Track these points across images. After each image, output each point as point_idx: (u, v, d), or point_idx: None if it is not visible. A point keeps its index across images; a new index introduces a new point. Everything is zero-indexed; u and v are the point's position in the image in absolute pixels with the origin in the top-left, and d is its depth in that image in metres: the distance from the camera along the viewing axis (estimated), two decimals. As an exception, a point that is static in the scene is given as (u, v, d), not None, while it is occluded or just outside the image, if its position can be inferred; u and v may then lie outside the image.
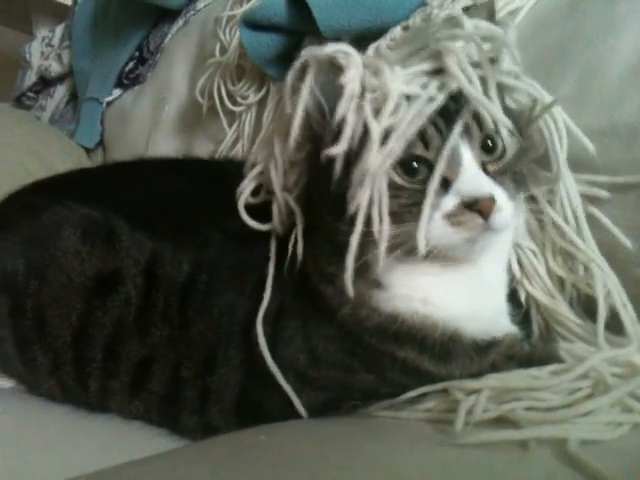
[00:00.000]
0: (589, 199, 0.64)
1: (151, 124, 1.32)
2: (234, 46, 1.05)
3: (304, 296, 0.62)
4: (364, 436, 0.55)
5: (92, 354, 0.68)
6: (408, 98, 0.54)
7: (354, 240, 0.53)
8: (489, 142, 0.57)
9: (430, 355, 0.59)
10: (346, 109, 0.54)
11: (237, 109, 1.09)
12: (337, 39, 0.57)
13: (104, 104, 1.46)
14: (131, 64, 1.45)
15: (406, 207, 0.54)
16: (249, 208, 0.66)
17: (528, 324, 0.65)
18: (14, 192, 0.84)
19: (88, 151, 1.48)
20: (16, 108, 1.69)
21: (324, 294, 0.60)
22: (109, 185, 0.82)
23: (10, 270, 0.72)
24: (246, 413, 0.64)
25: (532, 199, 0.64)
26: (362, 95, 0.54)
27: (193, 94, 1.15)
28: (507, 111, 0.60)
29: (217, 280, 0.67)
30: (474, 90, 0.52)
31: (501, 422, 0.51)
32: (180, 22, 1.35)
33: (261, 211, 0.66)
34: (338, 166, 0.55)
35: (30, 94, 1.69)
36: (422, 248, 0.52)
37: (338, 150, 0.53)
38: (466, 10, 0.70)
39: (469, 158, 0.55)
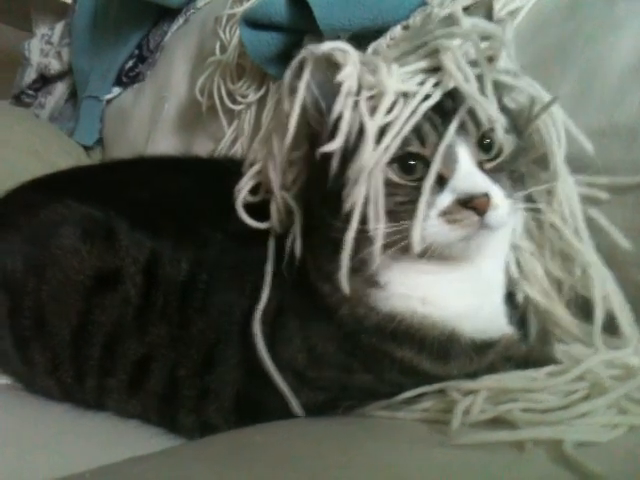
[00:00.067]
0: (588, 200, 0.64)
1: (151, 122, 1.32)
2: (234, 45, 1.05)
3: (303, 295, 0.62)
4: (363, 435, 0.55)
5: (90, 352, 0.68)
6: (405, 95, 0.54)
7: (349, 237, 0.53)
8: (486, 140, 0.57)
9: (428, 355, 0.58)
10: (343, 106, 0.54)
11: (237, 108, 1.09)
12: (336, 37, 0.57)
13: (103, 102, 1.46)
14: (131, 62, 1.45)
15: (402, 205, 0.54)
16: (250, 207, 0.66)
17: (525, 326, 0.65)
18: (13, 190, 0.84)
19: (87, 149, 1.48)
20: (15, 106, 1.69)
21: (322, 292, 0.60)
22: (111, 184, 0.82)
23: (10, 268, 0.72)
24: (245, 412, 0.64)
25: (531, 199, 0.63)
26: (359, 92, 0.54)
27: (193, 93, 1.15)
28: (505, 110, 0.60)
29: (217, 279, 0.66)
30: (470, 87, 0.53)
31: (498, 423, 0.50)
32: (180, 20, 1.35)
33: (262, 210, 0.65)
34: (334, 163, 0.55)
35: (29, 92, 1.69)
36: (417, 246, 0.53)
37: (334, 146, 0.53)
38: (466, 9, 0.70)
39: (465, 155, 0.55)
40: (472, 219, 0.53)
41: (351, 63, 0.55)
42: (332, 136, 0.54)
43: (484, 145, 0.57)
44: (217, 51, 1.09)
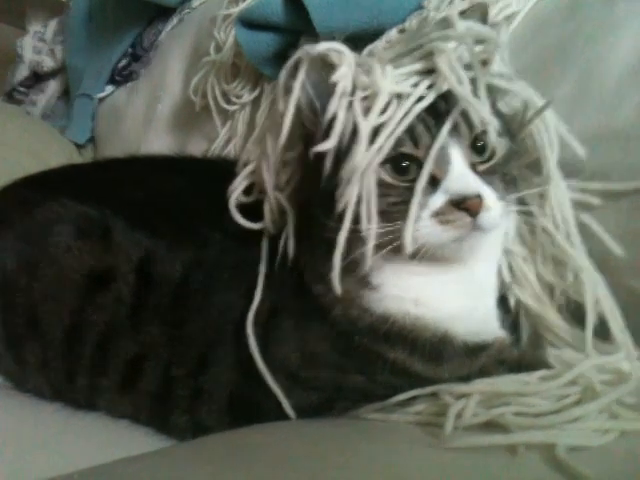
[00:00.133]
0: (581, 205, 0.64)
1: (144, 121, 1.32)
2: (229, 45, 1.05)
3: (297, 296, 0.62)
4: (358, 437, 0.55)
5: (83, 351, 0.68)
6: (399, 97, 0.54)
7: (342, 237, 0.53)
8: (479, 142, 0.57)
9: (420, 356, 0.58)
10: (337, 106, 0.54)
11: (231, 108, 1.09)
12: (332, 38, 0.57)
13: (96, 100, 1.46)
14: (124, 61, 1.44)
15: (394, 205, 0.54)
16: (245, 207, 0.66)
17: (517, 330, 0.65)
18: (6, 187, 0.83)
19: (79, 147, 1.47)
20: (6, 103, 1.68)
21: (316, 293, 0.60)
22: (105, 182, 0.81)
23: (2, 266, 0.71)
24: (238, 413, 0.63)
25: (523, 203, 0.64)
26: (354, 93, 0.54)
27: (187, 92, 1.15)
28: (498, 114, 0.60)
29: (211, 279, 0.66)
30: (463, 90, 0.53)
31: (490, 426, 0.50)
32: (175, 20, 1.35)
33: (256, 210, 0.65)
34: (328, 163, 0.55)
35: (21, 89, 1.68)
36: (409, 247, 0.53)
37: (327, 146, 0.54)
38: (462, 13, 0.70)
39: (458, 157, 0.55)
40: (464, 220, 0.53)
41: (346, 64, 0.55)
42: (326, 136, 0.54)
43: (477, 147, 0.57)
44: (212, 51, 1.09)
